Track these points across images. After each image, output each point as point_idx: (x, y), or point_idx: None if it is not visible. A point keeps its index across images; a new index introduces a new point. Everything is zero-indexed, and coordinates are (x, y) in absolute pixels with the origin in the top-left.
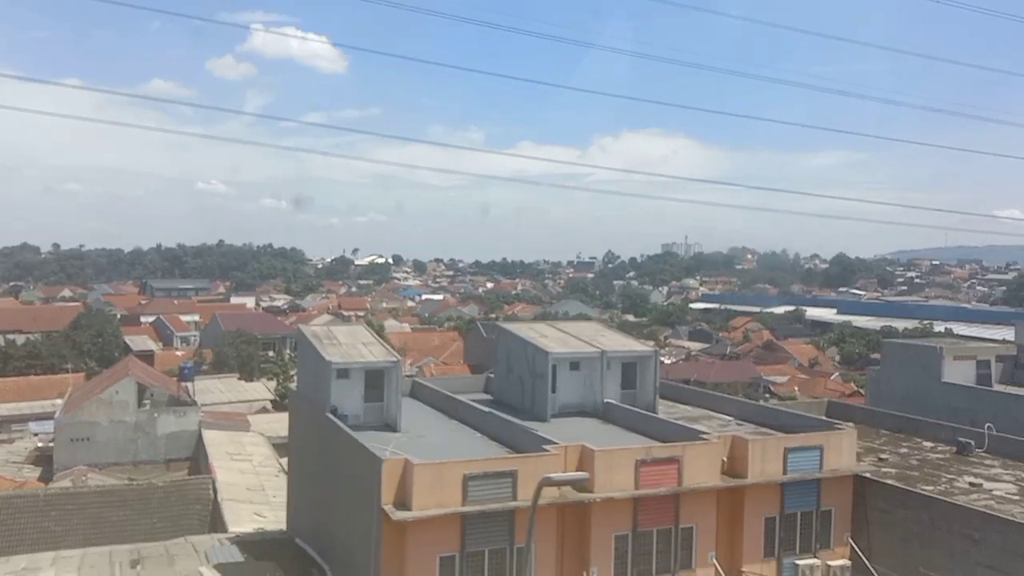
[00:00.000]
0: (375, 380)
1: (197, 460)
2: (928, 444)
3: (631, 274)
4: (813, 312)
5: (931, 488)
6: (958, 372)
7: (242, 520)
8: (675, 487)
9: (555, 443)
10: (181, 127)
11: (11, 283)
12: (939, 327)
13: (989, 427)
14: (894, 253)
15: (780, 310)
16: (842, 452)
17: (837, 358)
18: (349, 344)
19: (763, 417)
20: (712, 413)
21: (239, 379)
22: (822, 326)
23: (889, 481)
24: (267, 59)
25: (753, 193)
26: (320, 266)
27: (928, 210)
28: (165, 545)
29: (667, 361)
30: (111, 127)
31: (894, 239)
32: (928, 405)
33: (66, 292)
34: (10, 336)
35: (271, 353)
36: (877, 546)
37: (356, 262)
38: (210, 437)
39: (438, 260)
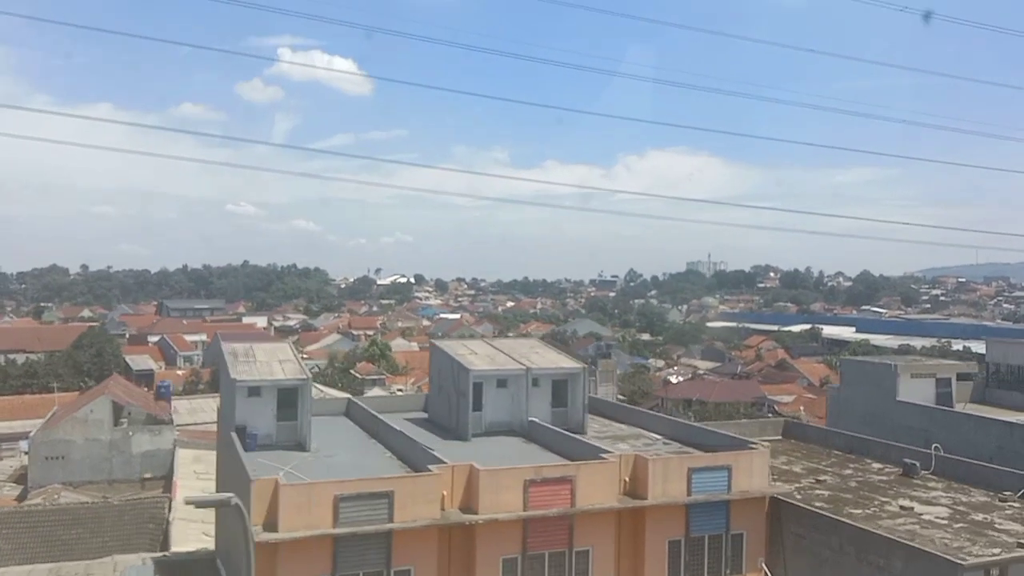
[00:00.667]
0: (287, 398)
1: (171, 479)
2: (877, 465)
3: (653, 293)
4: (831, 330)
5: (859, 511)
6: (916, 390)
7: (188, 539)
8: (567, 508)
9: (444, 463)
10: (211, 150)
11: (36, 304)
12: (957, 345)
13: (936, 448)
14: (923, 271)
15: (797, 329)
16: (753, 473)
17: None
18: (264, 362)
19: (690, 436)
20: (644, 432)
21: None
22: (839, 345)
23: (802, 504)
24: (294, 82)
25: (779, 210)
26: (343, 286)
27: (956, 229)
28: (87, 564)
29: (673, 380)
30: (144, 151)
31: (923, 257)
32: (884, 424)
33: (86, 312)
34: (11, 356)
35: None
36: (792, 571)
37: (379, 282)
38: (181, 456)
39: (460, 280)
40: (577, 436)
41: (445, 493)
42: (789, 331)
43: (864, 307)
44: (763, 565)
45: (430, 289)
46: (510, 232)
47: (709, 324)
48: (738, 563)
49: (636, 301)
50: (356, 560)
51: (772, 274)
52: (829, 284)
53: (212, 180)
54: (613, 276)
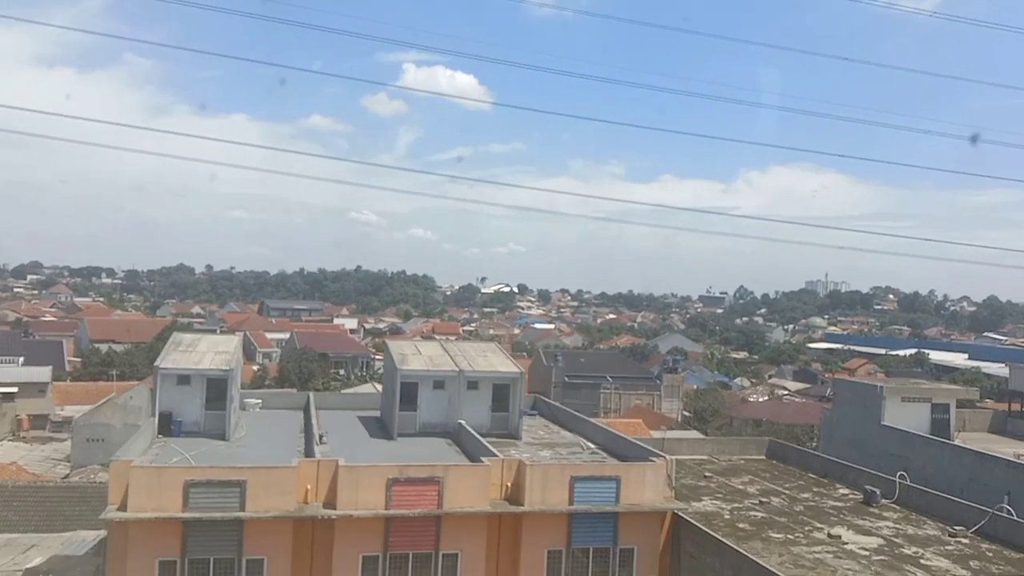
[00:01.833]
0: (216, 388)
1: None
2: (843, 491)
3: (762, 311)
4: (940, 356)
5: (780, 536)
6: (908, 415)
7: None
8: (433, 509)
9: (314, 458)
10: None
11: (156, 300)
12: None
13: (902, 476)
14: None
15: (905, 353)
16: (645, 486)
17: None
18: (203, 352)
19: (614, 446)
20: (582, 440)
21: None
22: (947, 371)
23: (695, 523)
24: (417, 96)
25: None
26: (448, 293)
27: None
28: (62, 536)
29: (752, 399)
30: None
31: None
32: (868, 449)
33: (196, 309)
34: (99, 345)
35: (341, 371)
36: None
37: (483, 290)
38: None
39: (563, 291)
40: (483, 440)
41: (309, 487)
42: (895, 355)
43: (985, 333)
44: None
45: (533, 299)
46: (622, 245)
47: (811, 345)
48: None
49: (742, 319)
50: (206, 546)
51: (891, 296)
52: (951, 308)
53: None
54: (722, 292)
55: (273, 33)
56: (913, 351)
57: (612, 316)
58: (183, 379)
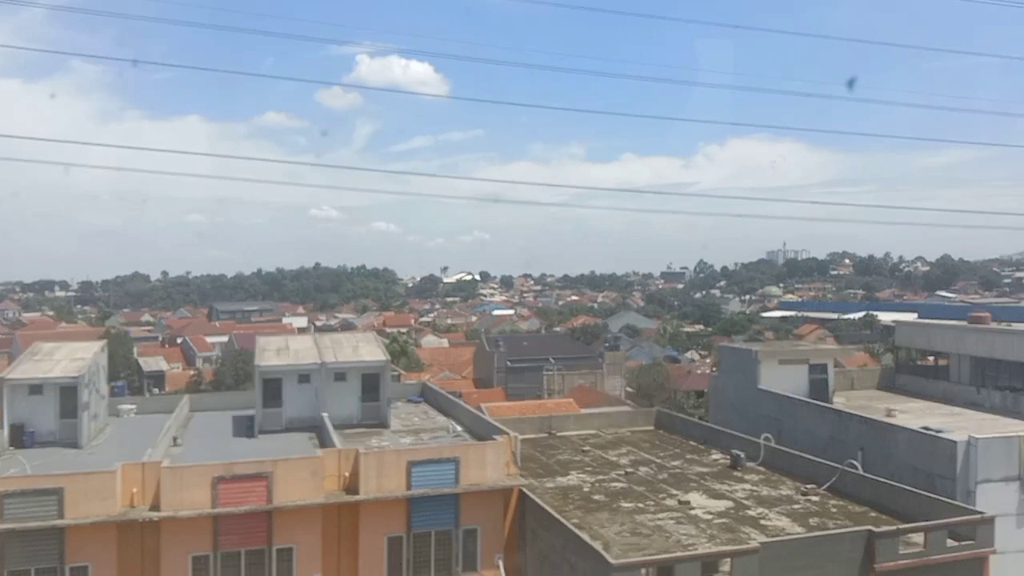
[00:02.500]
0: (69, 397)
1: None
2: (716, 456)
3: (721, 283)
4: (891, 317)
5: (631, 506)
6: (786, 377)
7: None
8: (262, 505)
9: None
10: (295, 156)
11: (103, 311)
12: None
13: (767, 438)
14: (1022, 253)
15: (855, 316)
16: (486, 466)
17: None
18: (57, 360)
19: (478, 427)
20: (453, 425)
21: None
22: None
23: (536, 499)
24: (373, 87)
25: (865, 197)
26: (410, 285)
27: None
28: None
29: (699, 372)
30: (232, 162)
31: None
32: (748, 413)
33: (147, 317)
34: None
35: None
36: (530, 568)
37: (445, 280)
38: None
39: (527, 276)
40: (334, 432)
41: (135, 491)
42: (847, 319)
43: (937, 292)
44: (500, 562)
45: (495, 286)
46: (586, 227)
47: (765, 314)
48: (472, 559)
49: (701, 293)
50: (25, 557)
51: (847, 261)
52: (906, 270)
53: (297, 187)
54: (683, 268)
55: (222, 31)
56: (862, 314)
57: (575, 298)
58: (35, 389)
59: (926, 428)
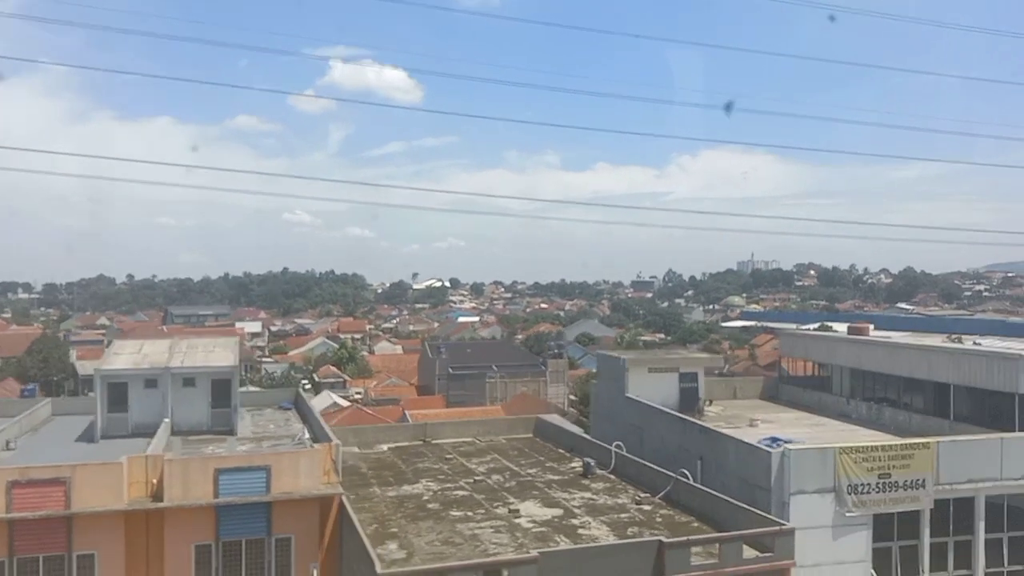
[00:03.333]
0: None
1: None
2: (574, 464)
3: (689, 293)
4: (845, 328)
5: (460, 514)
6: (656, 385)
7: None
8: (59, 510)
9: None
10: (268, 159)
11: (63, 313)
12: (968, 341)
13: (618, 446)
14: (988, 267)
15: (811, 326)
16: (299, 474)
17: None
18: None
19: (324, 436)
20: (303, 432)
21: None
22: None
23: (348, 509)
24: (346, 92)
25: (835, 209)
26: (380, 291)
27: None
28: None
29: None
30: (202, 163)
31: (990, 252)
32: (618, 420)
33: (103, 320)
34: None
35: None
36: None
37: (414, 286)
38: None
39: (497, 283)
40: (164, 438)
41: None
42: (804, 329)
43: (897, 304)
44: (314, 571)
45: (465, 293)
46: (560, 236)
47: (725, 324)
48: (285, 568)
49: (668, 302)
50: None
51: (812, 272)
52: (869, 281)
53: (270, 190)
54: (652, 277)
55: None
56: (816, 325)
57: (544, 306)
58: None
59: (774, 439)
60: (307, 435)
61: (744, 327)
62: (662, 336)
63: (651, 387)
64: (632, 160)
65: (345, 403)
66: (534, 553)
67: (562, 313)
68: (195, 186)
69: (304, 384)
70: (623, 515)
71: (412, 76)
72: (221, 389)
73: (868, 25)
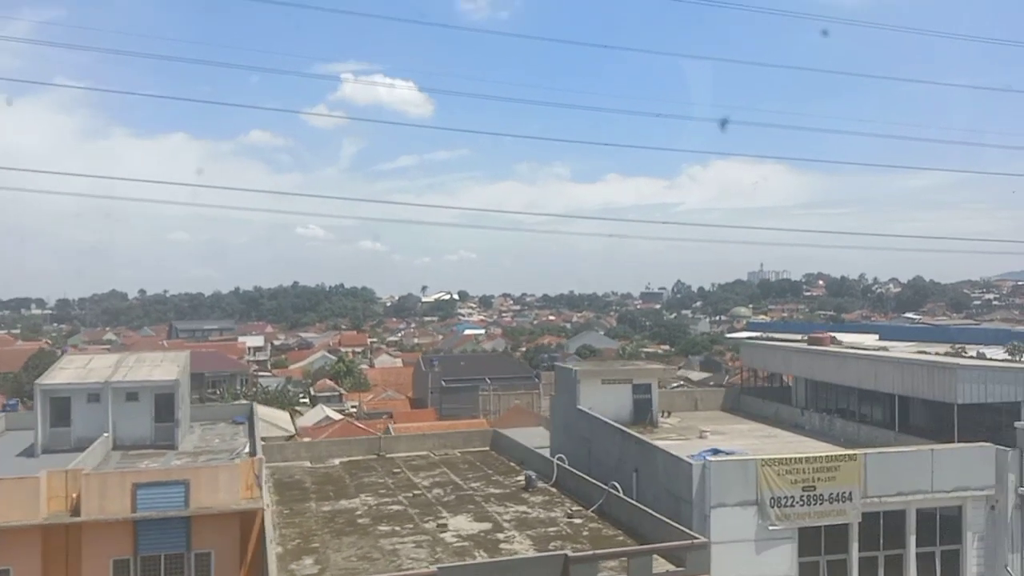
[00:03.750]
0: None
1: None
2: (520, 477)
3: (697, 304)
4: (851, 338)
5: (389, 528)
6: (610, 397)
7: None
8: None
9: None
10: (281, 175)
11: (72, 328)
12: (972, 351)
13: (560, 458)
14: (1002, 275)
15: None
16: (219, 488)
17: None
18: None
19: (264, 452)
20: (245, 450)
21: None
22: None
23: (268, 523)
24: (357, 106)
25: (844, 218)
26: (389, 304)
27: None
28: None
29: None
30: (216, 179)
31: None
32: (572, 432)
33: (110, 335)
34: None
35: (218, 391)
36: None
37: (423, 299)
38: None
39: (506, 295)
40: (95, 450)
41: None
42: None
43: (904, 314)
44: None
45: (474, 305)
46: (570, 247)
47: (730, 335)
48: None
49: (676, 313)
50: None
51: (820, 282)
52: (877, 291)
53: (283, 205)
54: (660, 288)
55: (209, 49)
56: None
57: (551, 318)
58: None
59: (715, 450)
60: (247, 449)
61: (749, 338)
62: (666, 347)
63: (604, 399)
64: (642, 171)
65: (338, 416)
66: (432, 568)
67: (568, 325)
68: (208, 205)
69: (301, 398)
70: (551, 529)
71: (423, 91)
72: (164, 403)
73: (875, 35)
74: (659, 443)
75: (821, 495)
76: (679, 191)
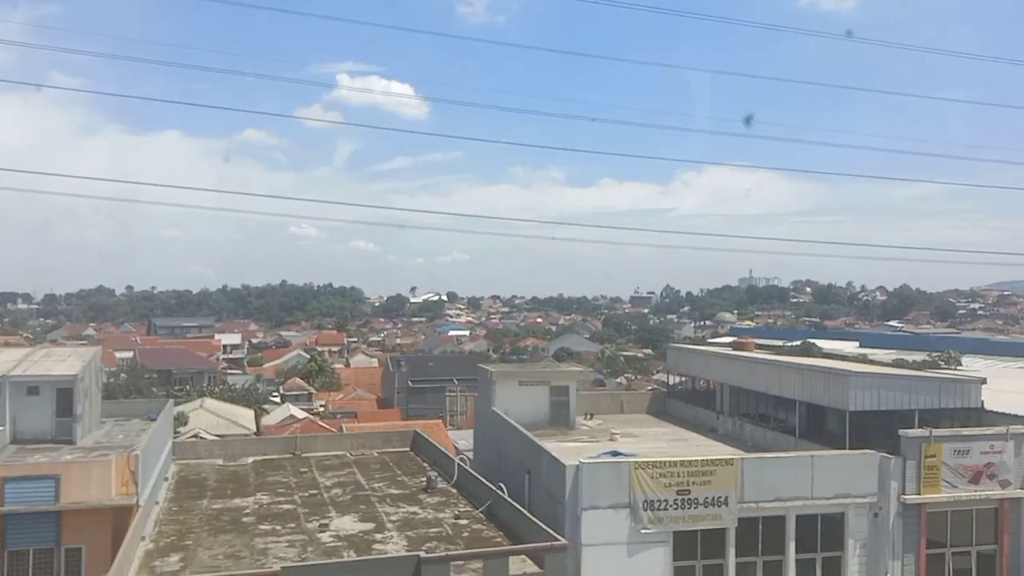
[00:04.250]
0: None
1: None
2: (423, 478)
3: (685, 309)
4: (831, 345)
5: (269, 528)
6: (527, 399)
7: None
8: None
9: None
10: (275, 173)
11: (47, 323)
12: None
13: (462, 459)
14: (993, 286)
15: (794, 343)
16: (91, 484)
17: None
18: None
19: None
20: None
21: None
22: (836, 359)
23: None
24: (352, 107)
25: (837, 226)
26: (377, 304)
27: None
28: None
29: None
30: (209, 176)
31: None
32: (487, 434)
33: (90, 331)
34: None
35: (187, 388)
36: None
37: (412, 300)
38: None
39: (495, 297)
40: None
41: None
42: (790, 346)
43: (887, 322)
44: None
45: (462, 307)
46: (565, 250)
47: (711, 340)
48: None
49: (662, 317)
50: None
51: (808, 289)
52: (864, 299)
53: (277, 204)
54: (649, 292)
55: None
56: (799, 342)
57: (539, 320)
58: None
59: (615, 452)
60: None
61: (731, 343)
62: (648, 351)
63: (521, 400)
64: (637, 176)
65: (302, 415)
66: (276, 568)
67: (555, 328)
68: (201, 206)
69: (273, 396)
70: (434, 530)
71: (418, 93)
72: (64, 398)
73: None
74: (570, 445)
75: (696, 499)
76: (673, 196)
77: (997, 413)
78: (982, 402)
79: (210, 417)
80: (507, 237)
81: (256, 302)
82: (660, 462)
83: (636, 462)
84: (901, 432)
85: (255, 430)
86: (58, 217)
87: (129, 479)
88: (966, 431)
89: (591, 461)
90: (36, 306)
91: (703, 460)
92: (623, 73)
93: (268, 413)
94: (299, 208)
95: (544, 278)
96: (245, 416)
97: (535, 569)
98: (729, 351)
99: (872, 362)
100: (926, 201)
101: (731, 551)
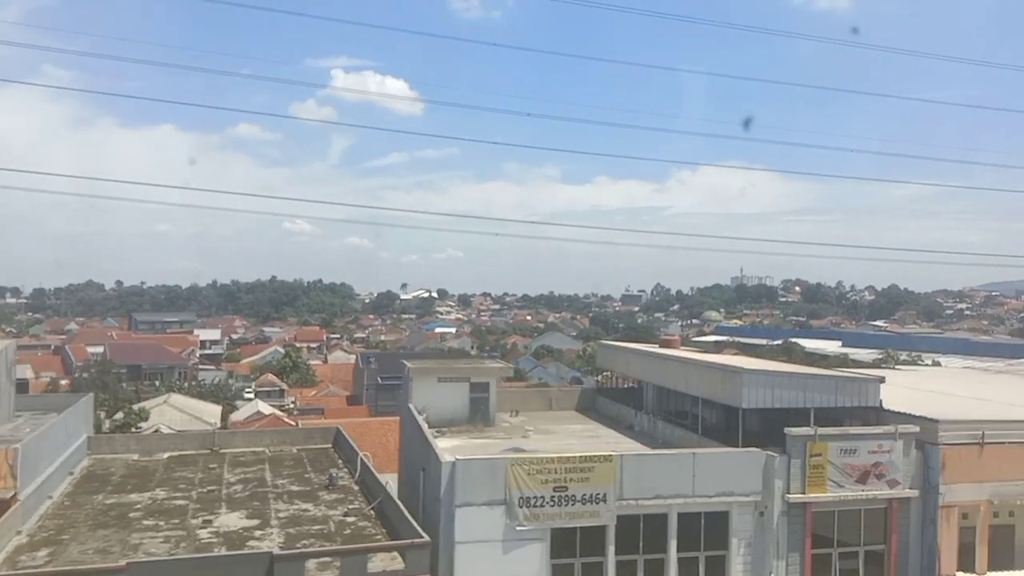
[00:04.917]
0: None
1: None
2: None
3: (675, 307)
4: (814, 344)
5: (153, 523)
6: (447, 395)
7: None
8: None
9: None
10: (269, 168)
11: (30, 317)
12: (928, 359)
13: (365, 456)
14: (983, 285)
15: (777, 342)
16: None
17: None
18: None
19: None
20: None
21: None
22: (819, 358)
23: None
24: (347, 102)
25: (831, 226)
26: (367, 301)
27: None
28: None
29: None
30: (203, 171)
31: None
32: (405, 431)
33: (72, 326)
34: None
35: (156, 383)
36: None
37: (402, 297)
38: None
39: (486, 294)
40: None
41: None
42: (773, 345)
43: (871, 322)
44: None
45: (452, 304)
46: (559, 248)
47: (697, 338)
48: None
49: (650, 316)
50: None
51: (797, 288)
52: (852, 298)
53: (270, 201)
54: (640, 291)
55: (199, 39)
56: (781, 340)
57: (529, 318)
58: None
59: (517, 449)
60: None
61: (716, 342)
62: None
63: (440, 397)
64: (632, 174)
65: (269, 411)
66: (121, 563)
67: (543, 325)
68: (193, 205)
69: (247, 392)
70: (316, 527)
71: (413, 91)
72: None
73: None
74: (478, 442)
75: (573, 496)
76: (668, 195)
77: (895, 413)
78: (880, 401)
79: (174, 413)
80: (501, 236)
81: (245, 298)
82: (537, 459)
83: (512, 459)
84: (786, 430)
85: (220, 425)
86: (48, 211)
87: (7, 473)
88: (853, 430)
89: (466, 458)
90: (25, 300)
91: (581, 456)
92: (620, 72)
93: (238, 409)
94: (294, 203)
95: (537, 276)
96: (211, 412)
97: (402, 566)
98: (653, 349)
99: (856, 362)
100: (919, 202)
101: (611, 549)
